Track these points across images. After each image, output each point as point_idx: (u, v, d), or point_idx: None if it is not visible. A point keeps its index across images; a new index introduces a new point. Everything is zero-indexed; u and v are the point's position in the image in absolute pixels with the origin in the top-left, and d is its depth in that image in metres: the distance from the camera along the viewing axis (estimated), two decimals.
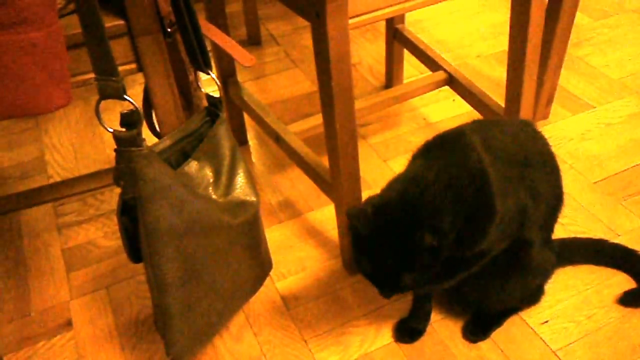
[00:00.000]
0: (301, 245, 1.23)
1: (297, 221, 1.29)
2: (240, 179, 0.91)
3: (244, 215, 0.90)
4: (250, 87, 1.68)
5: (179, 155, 0.88)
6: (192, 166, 0.87)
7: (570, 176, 1.34)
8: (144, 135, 0.78)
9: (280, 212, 1.31)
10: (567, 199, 1.28)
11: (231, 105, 1.42)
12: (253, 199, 0.93)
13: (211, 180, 0.88)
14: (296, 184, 1.38)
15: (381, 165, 1.41)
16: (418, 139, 1.47)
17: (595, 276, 1.12)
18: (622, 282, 1.11)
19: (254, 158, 1.47)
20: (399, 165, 1.40)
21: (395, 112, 1.57)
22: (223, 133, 0.90)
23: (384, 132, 1.51)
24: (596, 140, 1.43)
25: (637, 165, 1.36)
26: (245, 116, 1.48)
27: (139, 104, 0.77)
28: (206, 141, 0.89)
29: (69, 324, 1.11)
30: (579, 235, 1.19)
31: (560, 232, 1.20)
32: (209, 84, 0.90)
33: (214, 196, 0.88)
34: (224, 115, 0.91)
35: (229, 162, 0.90)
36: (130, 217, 0.83)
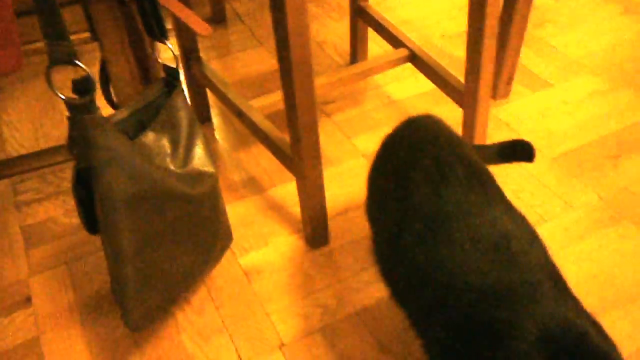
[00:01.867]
0: (264, 220, 1.24)
1: (260, 197, 1.29)
2: (199, 150, 0.91)
3: (202, 186, 0.90)
4: (215, 66, 1.67)
5: (136, 127, 0.88)
6: (149, 137, 0.87)
7: None
8: (101, 108, 0.77)
9: (242, 188, 1.31)
10: (526, 175, 1.32)
11: (194, 82, 1.41)
12: (211, 170, 0.92)
13: (168, 151, 0.88)
14: (259, 161, 1.38)
15: (345, 142, 1.42)
16: (382, 116, 1.49)
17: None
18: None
19: (217, 135, 1.46)
20: (362, 142, 1.41)
21: (359, 90, 1.58)
22: (180, 104, 0.89)
23: (347, 110, 1.51)
24: (555, 118, 1.46)
25: (592, 141, 1.39)
26: (209, 93, 1.47)
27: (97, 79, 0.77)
28: (163, 112, 0.89)
29: (28, 300, 1.10)
30: (535, 209, 1.22)
31: (516, 204, 1.23)
32: (169, 55, 0.90)
33: (171, 167, 0.87)
34: (181, 85, 0.91)
35: (187, 133, 0.90)
36: (86, 187, 0.82)
